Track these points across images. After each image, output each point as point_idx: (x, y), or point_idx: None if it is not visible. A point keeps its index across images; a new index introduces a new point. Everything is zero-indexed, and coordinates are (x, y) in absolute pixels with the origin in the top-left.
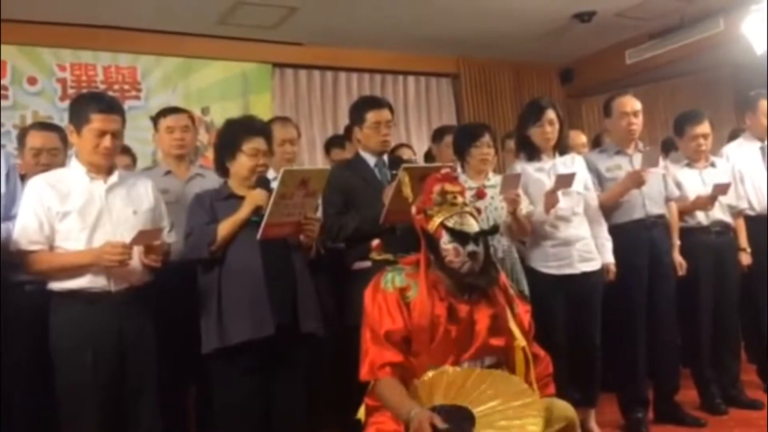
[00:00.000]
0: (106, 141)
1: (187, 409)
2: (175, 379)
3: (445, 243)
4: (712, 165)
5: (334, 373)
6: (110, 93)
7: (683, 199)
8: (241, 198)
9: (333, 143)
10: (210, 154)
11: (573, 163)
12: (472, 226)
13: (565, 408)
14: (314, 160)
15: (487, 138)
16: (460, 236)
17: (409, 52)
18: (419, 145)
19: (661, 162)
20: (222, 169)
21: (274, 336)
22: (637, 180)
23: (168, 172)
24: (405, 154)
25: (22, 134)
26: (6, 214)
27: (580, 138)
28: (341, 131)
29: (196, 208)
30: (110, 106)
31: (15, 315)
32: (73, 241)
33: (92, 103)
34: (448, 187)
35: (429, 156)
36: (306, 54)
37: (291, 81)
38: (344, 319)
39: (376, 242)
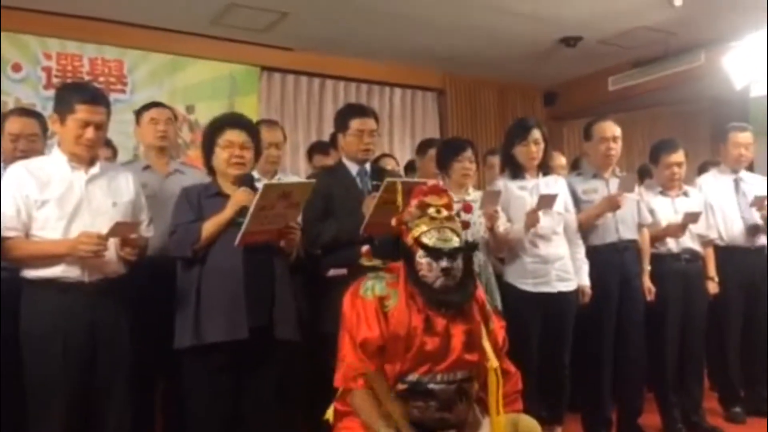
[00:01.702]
0: (90, 132)
1: (155, 405)
2: (144, 375)
3: (420, 257)
4: (685, 194)
5: (305, 376)
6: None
7: (655, 226)
8: (227, 197)
9: (316, 149)
10: (192, 152)
11: (555, 184)
12: (449, 241)
13: (531, 425)
14: (296, 165)
15: (469, 153)
16: (433, 252)
17: (397, 64)
18: (402, 157)
19: (636, 188)
20: (209, 168)
21: (249, 338)
22: (613, 204)
23: (147, 167)
24: (389, 164)
25: (1, 119)
26: None
27: (559, 160)
28: (325, 138)
29: (183, 203)
30: (95, 97)
31: None
32: (50, 230)
33: (78, 93)
34: (431, 200)
35: (411, 167)
36: (295, 59)
37: (278, 85)
38: (318, 325)
39: (366, 248)
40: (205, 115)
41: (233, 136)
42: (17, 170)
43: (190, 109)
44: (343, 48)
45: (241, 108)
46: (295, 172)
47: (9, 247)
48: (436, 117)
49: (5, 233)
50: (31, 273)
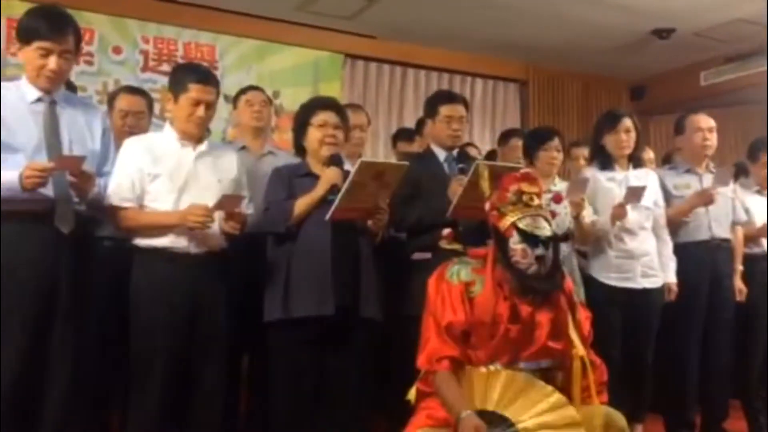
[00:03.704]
0: (200, 110)
1: (240, 377)
2: (232, 348)
3: (514, 243)
4: None
5: (387, 357)
6: None
7: (749, 225)
8: (317, 176)
9: (400, 136)
10: (277, 137)
11: (646, 177)
12: (544, 229)
13: (616, 417)
14: (376, 151)
15: (556, 142)
16: (530, 238)
17: (480, 54)
18: (481, 147)
19: (731, 184)
20: (299, 149)
21: (335, 316)
22: (706, 198)
23: (243, 147)
24: (471, 152)
25: (112, 97)
26: (99, 171)
27: (649, 154)
28: (405, 126)
29: (276, 182)
30: (207, 77)
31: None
32: (161, 202)
33: (191, 73)
34: (525, 187)
35: (491, 157)
36: (378, 47)
37: (361, 72)
38: (401, 308)
39: (447, 231)
40: (289, 100)
41: (327, 116)
42: (133, 145)
43: (275, 94)
44: (425, 37)
45: (324, 94)
46: (376, 158)
47: (124, 216)
48: (518, 108)
49: (121, 203)
50: (141, 242)
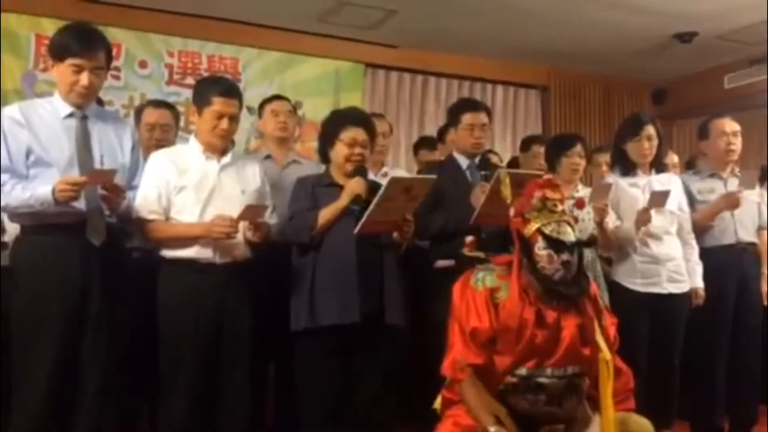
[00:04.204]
0: (224, 123)
1: (267, 386)
2: (259, 357)
3: (540, 249)
4: None
5: (411, 365)
6: None
7: None
8: (341, 186)
9: (422, 144)
10: (299, 146)
11: (669, 182)
12: (569, 235)
13: (643, 424)
14: (397, 160)
15: (579, 148)
16: (555, 244)
17: (500, 60)
18: (503, 154)
19: (757, 188)
20: (324, 157)
21: (360, 323)
22: (732, 202)
23: (268, 157)
24: (492, 159)
25: (139, 111)
26: (128, 184)
27: (672, 158)
28: (426, 134)
29: (299, 192)
30: (231, 90)
31: (122, 279)
32: (186, 213)
33: (215, 86)
34: (549, 193)
35: (513, 164)
36: (399, 56)
37: (382, 82)
38: (425, 315)
39: (470, 239)
40: (312, 111)
41: (357, 134)
42: (160, 158)
43: (297, 105)
44: (446, 45)
45: (345, 104)
46: (396, 166)
47: (151, 228)
48: (539, 114)
49: (148, 216)
50: (168, 253)
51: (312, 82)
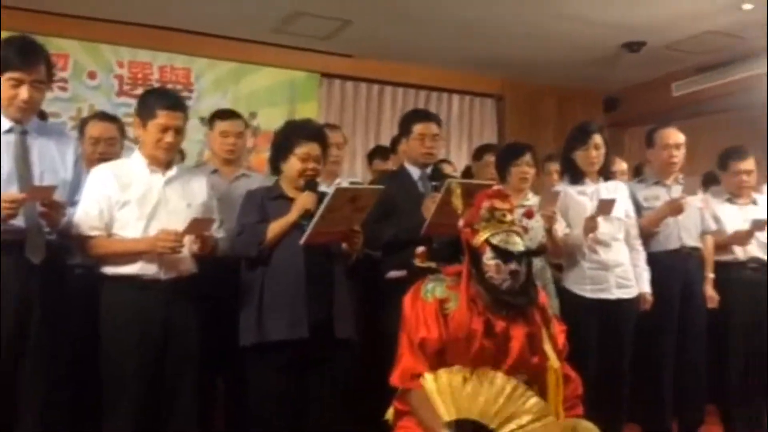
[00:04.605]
0: (169, 136)
1: (215, 402)
2: (207, 373)
3: (488, 259)
4: (754, 202)
5: (364, 376)
6: None
7: (720, 234)
8: (291, 199)
9: (376, 154)
10: (254, 157)
11: (616, 190)
12: (517, 244)
13: (590, 429)
14: (354, 169)
15: (527, 157)
16: (503, 253)
17: (456, 70)
18: (459, 163)
19: (700, 194)
20: (275, 169)
21: (310, 338)
22: (675, 208)
23: (215, 171)
24: (446, 169)
25: (83, 124)
26: (70, 200)
27: (621, 165)
28: (382, 144)
29: (248, 205)
30: (176, 103)
31: (64, 297)
32: (130, 229)
33: (160, 99)
34: (498, 204)
35: (468, 173)
36: (355, 66)
37: (338, 92)
38: (377, 326)
39: (421, 249)
40: (266, 121)
41: (311, 149)
42: (101, 172)
43: (252, 115)
44: (402, 54)
45: (301, 114)
46: (353, 176)
47: (93, 245)
48: (494, 124)
49: (89, 232)
50: (110, 270)
51: (267, 92)
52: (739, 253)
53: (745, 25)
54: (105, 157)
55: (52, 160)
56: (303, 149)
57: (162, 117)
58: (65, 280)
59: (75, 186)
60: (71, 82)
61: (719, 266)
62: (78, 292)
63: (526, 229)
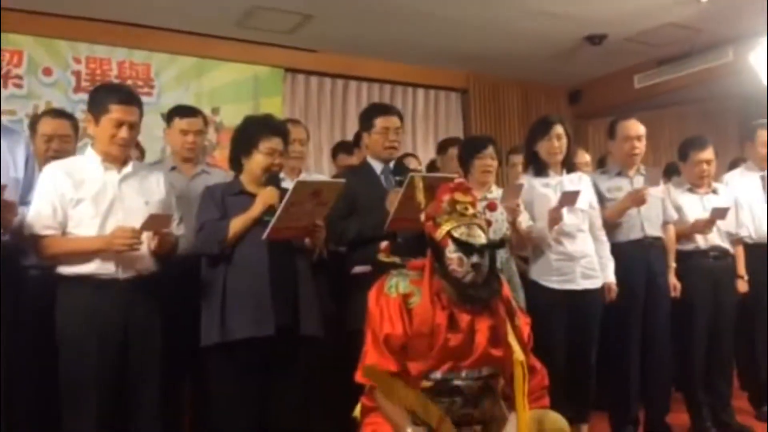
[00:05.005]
0: (123, 132)
1: (183, 403)
2: (172, 373)
3: (450, 252)
4: (714, 191)
5: (331, 374)
6: None
7: (682, 223)
8: (252, 195)
9: (340, 149)
10: (218, 153)
11: (580, 181)
12: (479, 237)
13: (557, 420)
14: (320, 164)
15: (490, 150)
16: (465, 247)
17: (421, 64)
18: (425, 157)
19: (662, 185)
20: (236, 164)
21: (275, 336)
22: (638, 199)
23: (174, 168)
24: (411, 163)
25: (34, 121)
26: (22, 199)
27: (584, 157)
28: (348, 138)
29: (208, 201)
30: (129, 97)
31: (19, 298)
32: (84, 227)
33: (112, 93)
34: (459, 197)
35: (433, 167)
36: (319, 61)
37: (302, 86)
38: (343, 322)
39: (384, 244)
40: (230, 116)
41: (275, 144)
42: (53, 170)
43: (215, 111)
44: (366, 49)
45: (265, 109)
46: (319, 171)
47: (46, 244)
48: (460, 117)
49: (42, 231)
50: (66, 270)
51: (230, 87)
52: (701, 241)
53: (704, 17)
54: (59, 155)
55: (3, 159)
56: (267, 144)
57: (115, 112)
58: (20, 281)
59: (27, 185)
60: (27, 79)
61: (681, 255)
62: (33, 293)
63: (489, 222)
